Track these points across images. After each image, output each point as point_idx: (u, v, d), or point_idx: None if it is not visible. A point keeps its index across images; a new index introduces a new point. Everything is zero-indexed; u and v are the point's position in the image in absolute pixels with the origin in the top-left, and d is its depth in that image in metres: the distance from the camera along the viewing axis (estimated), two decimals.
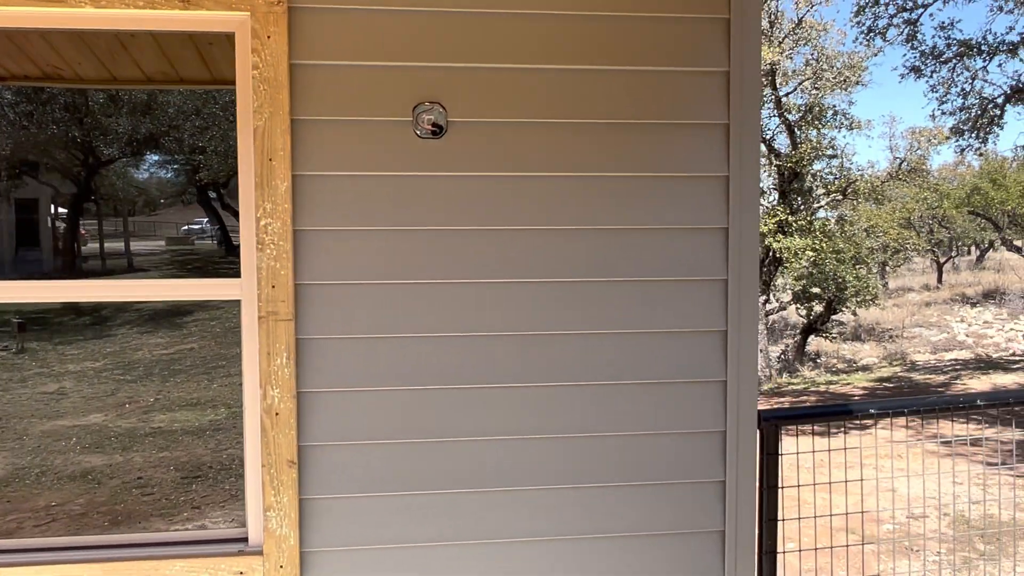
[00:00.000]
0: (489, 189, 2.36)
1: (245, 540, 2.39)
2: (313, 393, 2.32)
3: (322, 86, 2.28)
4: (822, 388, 12.96)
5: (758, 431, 2.50)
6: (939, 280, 31.90)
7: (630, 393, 2.44)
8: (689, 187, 2.42)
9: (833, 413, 2.59)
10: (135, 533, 2.50)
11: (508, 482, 2.40)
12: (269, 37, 2.23)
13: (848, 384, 13.34)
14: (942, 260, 32.94)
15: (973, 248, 37.79)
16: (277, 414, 2.29)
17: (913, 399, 2.54)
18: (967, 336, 20.96)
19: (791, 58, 13.58)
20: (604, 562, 2.45)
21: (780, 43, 13.05)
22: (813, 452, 2.60)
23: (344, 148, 2.30)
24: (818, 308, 20.71)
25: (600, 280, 2.41)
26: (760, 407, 2.49)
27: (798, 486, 2.72)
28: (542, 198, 2.37)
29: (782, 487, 2.52)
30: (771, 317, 23.17)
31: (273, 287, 2.27)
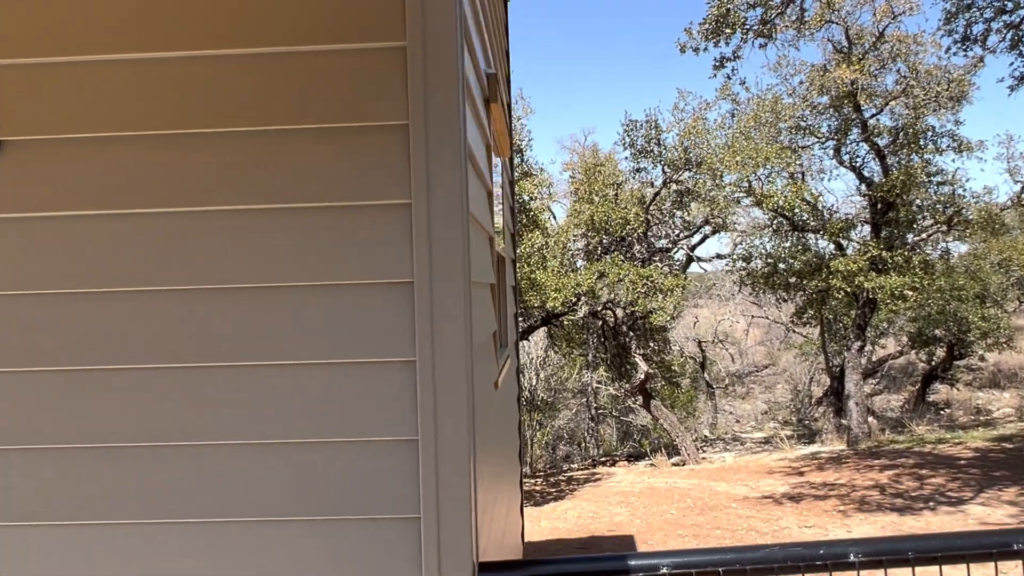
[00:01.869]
0: (66, 233, 1.64)
1: None
2: None
3: None
4: (927, 449, 11.15)
5: None
6: None
7: (276, 537, 1.62)
8: (352, 222, 1.61)
9: (596, 573, 1.65)
10: None
11: None
12: None
13: (960, 443, 11.43)
14: None
15: None
16: None
17: (742, 552, 1.55)
18: None
19: (876, 76, 12.07)
20: None
21: (860, 60, 11.60)
22: None
23: None
24: (940, 353, 18.40)
25: (226, 365, 1.62)
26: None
27: None
28: (141, 244, 1.63)
29: None
30: (890, 363, 20.85)
31: None
